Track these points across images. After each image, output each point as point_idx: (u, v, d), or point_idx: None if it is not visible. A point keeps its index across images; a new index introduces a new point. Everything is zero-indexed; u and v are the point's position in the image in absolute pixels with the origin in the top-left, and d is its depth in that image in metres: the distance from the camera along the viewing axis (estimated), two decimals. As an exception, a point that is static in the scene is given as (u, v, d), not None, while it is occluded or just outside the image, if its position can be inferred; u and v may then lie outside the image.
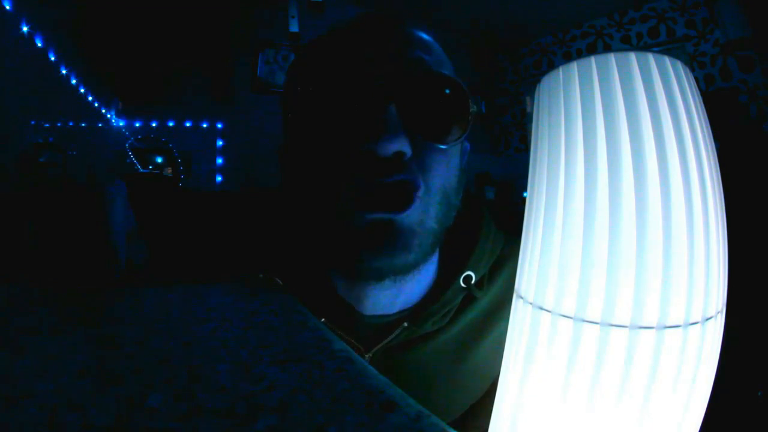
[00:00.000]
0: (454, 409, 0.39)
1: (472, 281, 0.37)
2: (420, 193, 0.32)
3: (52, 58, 1.65)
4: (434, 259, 0.38)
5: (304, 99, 0.34)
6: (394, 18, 0.37)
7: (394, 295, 0.36)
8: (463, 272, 0.37)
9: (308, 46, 0.38)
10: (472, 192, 0.42)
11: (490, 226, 0.40)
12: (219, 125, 2.38)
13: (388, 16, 0.37)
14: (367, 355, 0.36)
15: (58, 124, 1.82)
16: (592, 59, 0.21)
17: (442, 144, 0.33)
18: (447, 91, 0.33)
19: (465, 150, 0.39)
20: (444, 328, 0.37)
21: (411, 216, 0.32)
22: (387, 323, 0.37)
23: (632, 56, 0.20)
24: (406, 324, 0.36)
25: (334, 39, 0.36)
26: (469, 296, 0.38)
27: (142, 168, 2.17)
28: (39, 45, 1.56)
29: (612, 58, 0.20)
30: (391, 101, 0.31)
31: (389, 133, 0.30)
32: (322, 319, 0.34)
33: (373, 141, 0.30)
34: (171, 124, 2.28)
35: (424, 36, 0.36)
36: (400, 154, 0.31)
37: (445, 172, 0.34)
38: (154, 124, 2.25)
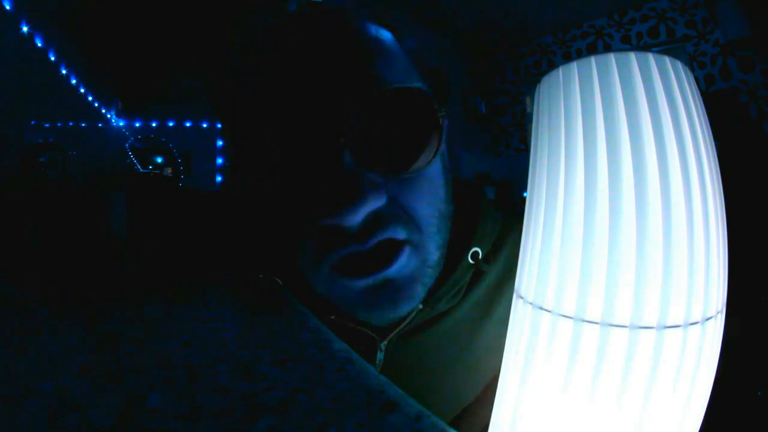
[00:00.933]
0: (471, 389, 0.38)
1: (480, 257, 0.37)
2: (407, 236, 0.27)
3: (52, 58, 1.65)
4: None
5: (237, 145, 0.28)
6: (335, 14, 0.29)
7: None
8: (470, 249, 0.37)
9: (237, 60, 0.30)
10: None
11: (487, 204, 0.40)
12: (219, 125, 2.38)
13: (329, 13, 0.29)
14: (382, 344, 0.35)
15: (58, 124, 1.82)
16: (592, 59, 0.21)
17: (422, 170, 0.27)
18: (412, 107, 0.26)
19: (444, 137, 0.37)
20: (456, 306, 0.37)
21: (409, 266, 0.28)
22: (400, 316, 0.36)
23: (632, 56, 0.20)
24: (421, 306, 0.35)
25: (264, 54, 0.28)
26: (478, 272, 0.37)
27: (142, 168, 2.17)
28: (39, 45, 1.56)
29: (612, 58, 0.20)
30: (345, 145, 0.24)
31: (353, 198, 0.23)
32: (332, 316, 0.34)
33: (332, 213, 0.24)
34: (171, 124, 2.29)
35: (377, 34, 0.29)
36: (373, 212, 0.25)
37: (432, 192, 0.29)
38: (154, 124, 2.26)
